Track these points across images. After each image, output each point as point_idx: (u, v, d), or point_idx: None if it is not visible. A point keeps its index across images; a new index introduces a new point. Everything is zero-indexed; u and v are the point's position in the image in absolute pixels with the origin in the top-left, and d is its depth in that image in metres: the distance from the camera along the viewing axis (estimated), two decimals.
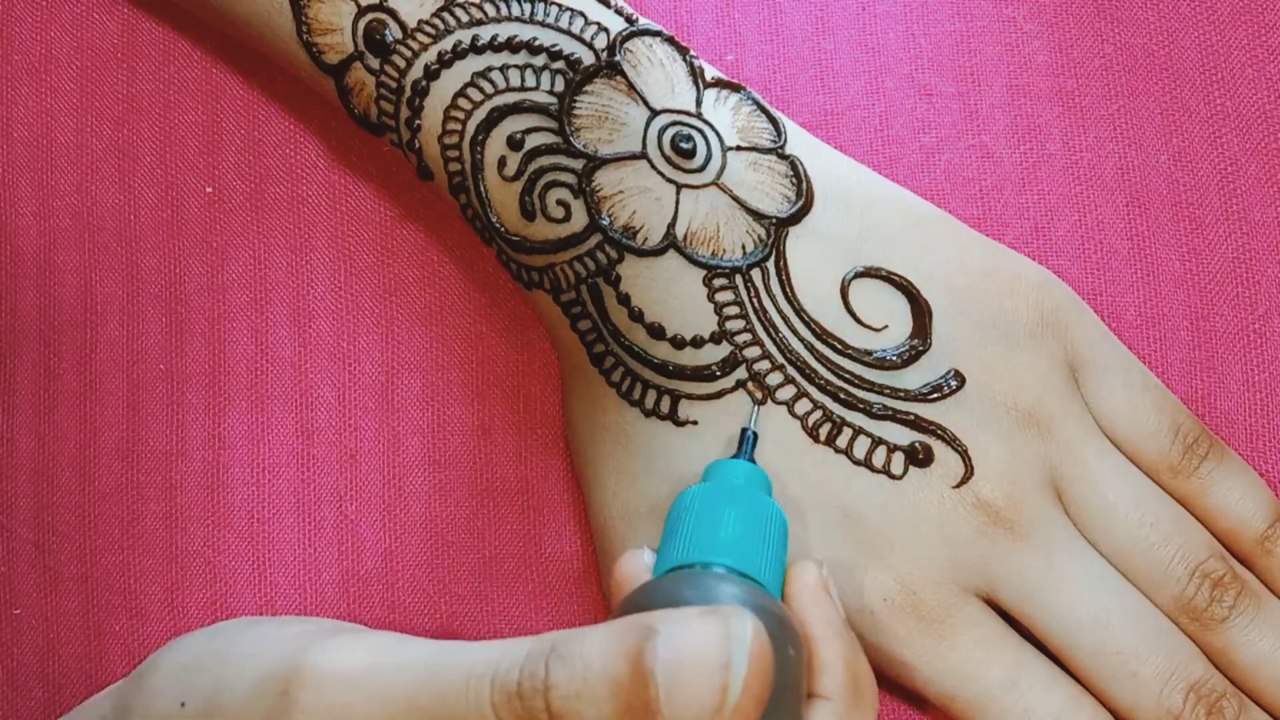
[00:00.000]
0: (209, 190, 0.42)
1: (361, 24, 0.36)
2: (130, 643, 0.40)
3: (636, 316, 0.36)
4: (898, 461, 0.35)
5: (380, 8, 0.36)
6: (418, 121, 0.36)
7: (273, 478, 0.40)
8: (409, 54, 0.36)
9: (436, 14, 0.36)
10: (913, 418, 0.35)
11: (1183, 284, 0.40)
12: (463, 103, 0.36)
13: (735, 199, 0.36)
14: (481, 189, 0.36)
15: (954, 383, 0.36)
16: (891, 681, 0.37)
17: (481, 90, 0.36)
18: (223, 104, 0.42)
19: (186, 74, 0.42)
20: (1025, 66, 0.41)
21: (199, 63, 0.42)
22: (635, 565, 0.32)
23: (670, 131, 0.36)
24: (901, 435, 0.35)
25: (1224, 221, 0.40)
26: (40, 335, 0.41)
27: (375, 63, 0.36)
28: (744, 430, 0.35)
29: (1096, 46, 0.41)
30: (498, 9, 0.36)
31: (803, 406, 0.35)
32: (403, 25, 0.36)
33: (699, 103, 0.36)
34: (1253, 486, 0.38)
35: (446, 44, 0.36)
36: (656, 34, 0.37)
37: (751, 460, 0.34)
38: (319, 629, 0.30)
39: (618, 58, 0.36)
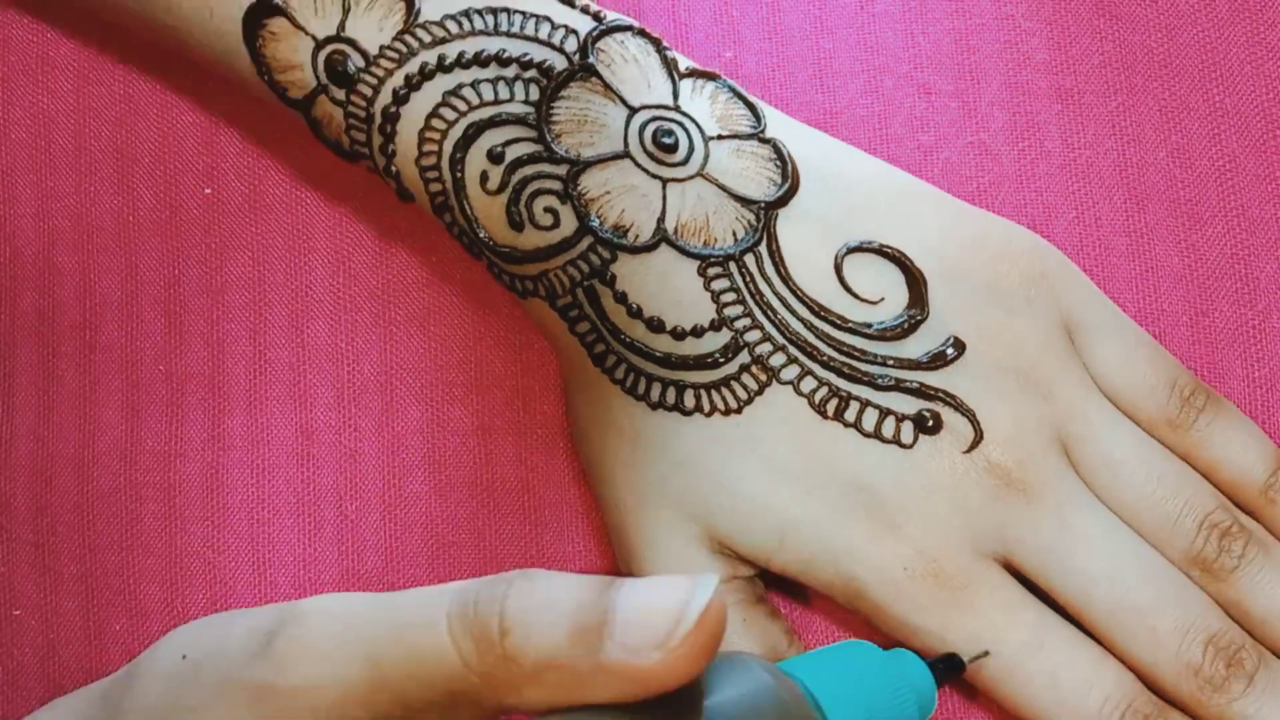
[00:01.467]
0: (208, 191, 0.42)
1: (321, 57, 0.36)
2: (130, 643, 0.40)
3: (635, 313, 0.36)
4: (907, 430, 0.35)
5: (338, 39, 0.36)
6: (392, 147, 0.36)
7: (272, 478, 0.40)
8: (375, 81, 0.35)
9: (398, 38, 0.35)
10: (918, 386, 0.36)
11: (1181, 280, 0.40)
12: (437, 123, 0.35)
13: (722, 187, 0.36)
14: (466, 206, 0.36)
15: (954, 350, 0.36)
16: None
17: (455, 109, 0.35)
18: (222, 104, 0.42)
19: (186, 75, 0.42)
20: (1024, 64, 0.41)
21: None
22: None
23: (651, 127, 0.36)
24: (908, 405, 0.35)
25: (1223, 218, 0.40)
26: (39, 336, 0.41)
27: (341, 94, 0.36)
28: (952, 656, 0.35)
29: (1095, 44, 0.41)
30: (460, 25, 0.36)
31: (808, 384, 0.35)
32: (364, 53, 0.35)
33: (676, 95, 0.36)
34: (1252, 437, 0.38)
35: (413, 66, 0.35)
36: (626, 29, 0.37)
37: (935, 679, 0.34)
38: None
39: (590, 59, 0.36)
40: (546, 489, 0.40)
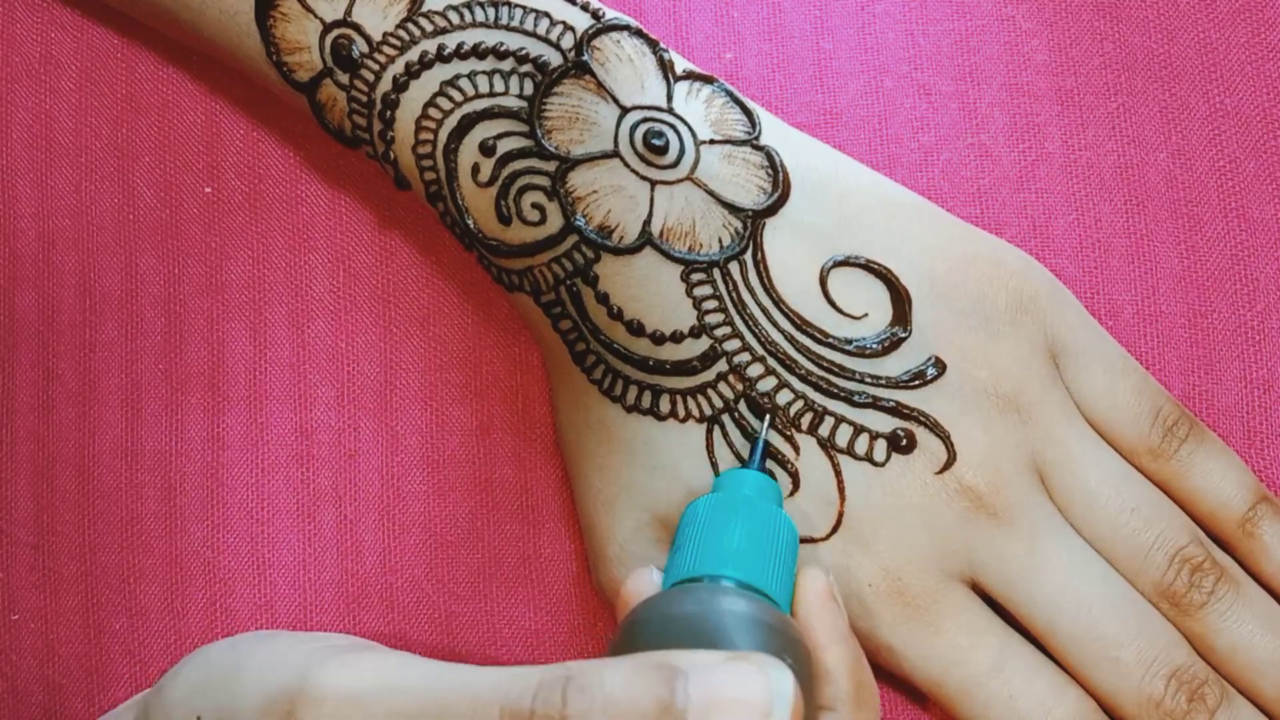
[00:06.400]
0: (208, 190, 0.42)
1: (328, 40, 0.36)
2: (130, 643, 0.40)
3: (616, 314, 0.36)
4: (880, 449, 0.35)
5: (345, 23, 0.36)
6: (390, 133, 0.36)
7: (271, 478, 0.40)
8: (376, 67, 0.36)
9: (401, 25, 0.36)
10: (894, 405, 0.35)
11: (1181, 281, 0.40)
12: (433, 112, 0.36)
13: (710, 193, 0.36)
14: (457, 196, 0.36)
15: (934, 370, 0.36)
16: (883, 671, 0.37)
17: (451, 99, 0.36)
18: (222, 104, 0.42)
19: (186, 74, 0.42)
20: (1024, 65, 0.41)
21: (198, 63, 0.42)
22: (643, 584, 0.32)
23: (642, 128, 0.36)
24: (883, 423, 0.36)
25: (1222, 219, 0.40)
26: (39, 336, 0.41)
27: (345, 78, 0.36)
28: (755, 439, 0.35)
29: (1095, 45, 0.41)
30: (461, 16, 0.36)
31: (784, 397, 0.35)
32: (368, 39, 0.36)
33: (670, 97, 0.36)
34: (1233, 468, 0.38)
35: (413, 55, 0.36)
36: (624, 28, 0.37)
37: (762, 470, 0.34)
38: (331, 646, 0.30)
39: (585, 57, 0.36)
40: (545, 489, 0.40)
